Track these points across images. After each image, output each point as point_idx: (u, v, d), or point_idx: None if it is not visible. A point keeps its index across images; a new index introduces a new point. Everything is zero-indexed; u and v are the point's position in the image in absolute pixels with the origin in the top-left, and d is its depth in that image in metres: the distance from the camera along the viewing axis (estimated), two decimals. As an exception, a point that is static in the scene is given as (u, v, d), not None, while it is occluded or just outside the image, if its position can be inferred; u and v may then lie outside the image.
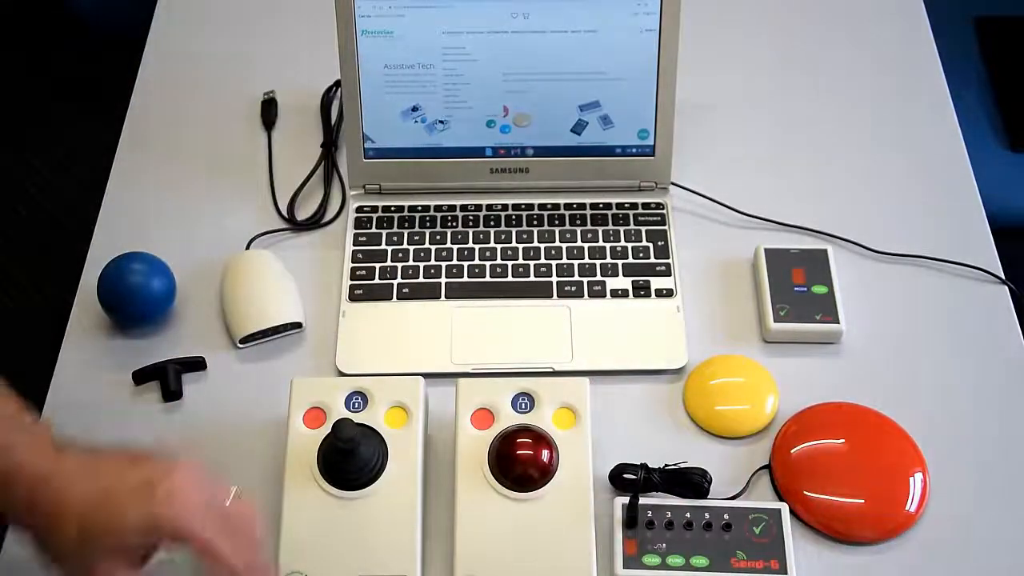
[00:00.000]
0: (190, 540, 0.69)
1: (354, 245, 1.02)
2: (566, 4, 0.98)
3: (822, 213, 1.04)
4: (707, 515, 0.83)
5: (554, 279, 0.99)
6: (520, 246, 1.02)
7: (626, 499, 0.83)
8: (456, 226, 1.03)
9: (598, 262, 1.00)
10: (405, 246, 1.02)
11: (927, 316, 0.98)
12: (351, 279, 0.99)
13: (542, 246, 1.02)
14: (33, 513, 0.69)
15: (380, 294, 0.99)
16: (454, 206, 1.04)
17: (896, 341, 0.96)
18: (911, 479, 0.86)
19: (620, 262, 1.00)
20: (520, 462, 0.82)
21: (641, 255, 1.01)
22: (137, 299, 0.95)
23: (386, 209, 1.04)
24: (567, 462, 0.83)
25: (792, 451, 0.88)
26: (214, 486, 0.72)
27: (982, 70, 1.54)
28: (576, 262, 1.00)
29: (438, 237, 1.02)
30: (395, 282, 0.99)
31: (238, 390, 0.94)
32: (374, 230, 1.03)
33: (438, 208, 1.04)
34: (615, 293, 0.98)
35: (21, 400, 0.72)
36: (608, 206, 1.04)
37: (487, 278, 1.00)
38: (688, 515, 0.83)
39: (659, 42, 0.99)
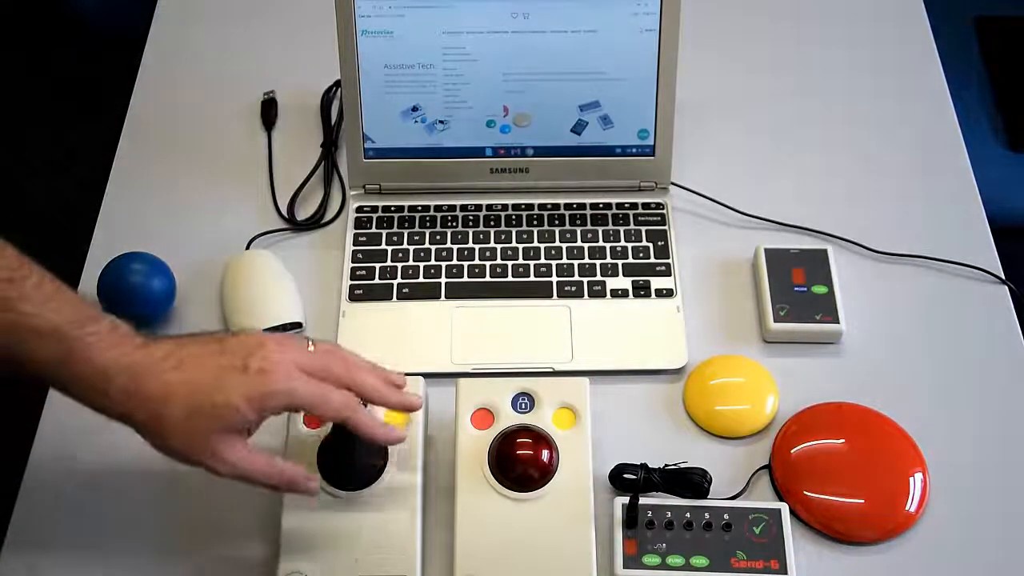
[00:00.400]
0: (298, 403, 0.73)
1: (354, 245, 1.02)
2: (566, 4, 0.98)
3: (822, 213, 1.04)
4: (707, 515, 0.83)
5: (554, 279, 0.99)
6: (520, 246, 1.02)
7: (626, 499, 0.83)
8: (456, 226, 1.03)
9: (598, 262, 1.00)
10: (405, 246, 1.02)
11: (927, 316, 0.98)
12: (351, 279, 0.99)
13: (542, 246, 1.02)
14: (134, 402, 0.71)
15: (380, 294, 0.99)
16: (454, 206, 1.04)
17: (896, 341, 0.96)
18: (911, 479, 0.86)
19: (620, 262, 1.00)
20: (520, 462, 0.82)
21: (641, 255, 1.01)
22: (137, 299, 0.95)
23: (386, 209, 1.04)
24: (567, 462, 0.83)
25: (792, 451, 0.88)
26: (296, 343, 0.76)
27: (982, 70, 1.54)
28: (576, 262, 1.00)
29: (438, 237, 1.02)
30: (395, 282, 0.99)
31: (238, 390, 0.94)
32: (374, 230, 1.03)
33: (438, 208, 1.04)
34: (615, 293, 0.98)
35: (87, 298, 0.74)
36: (608, 206, 1.04)
37: (487, 278, 1.00)
38: (688, 515, 0.83)
39: (659, 42, 0.99)
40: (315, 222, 1.05)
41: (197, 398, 0.71)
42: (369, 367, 0.79)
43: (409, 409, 0.81)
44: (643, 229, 1.03)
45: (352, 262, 1.01)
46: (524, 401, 0.86)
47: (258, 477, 0.74)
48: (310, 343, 0.77)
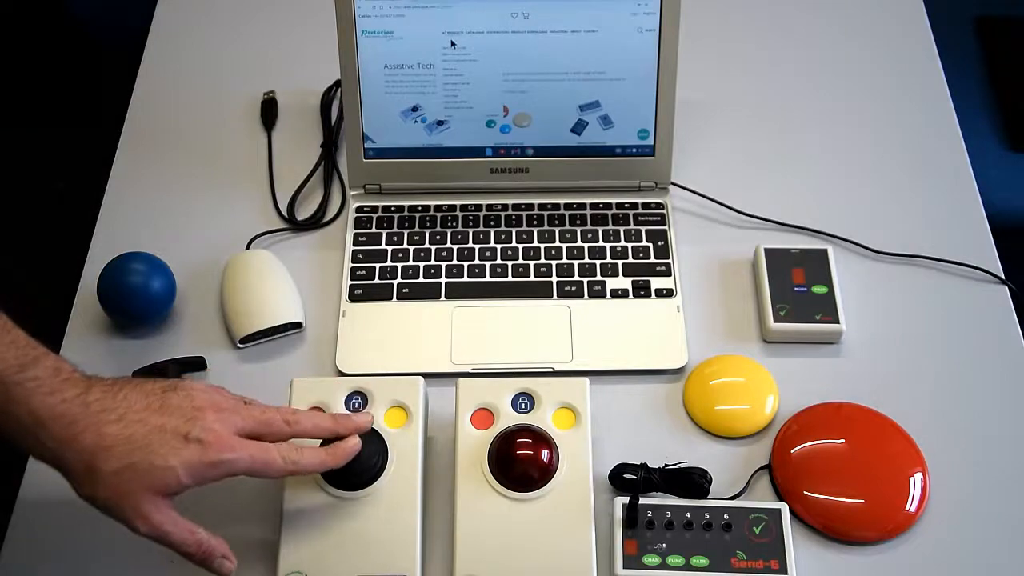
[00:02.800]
0: (239, 472, 0.73)
1: (354, 245, 1.02)
2: (566, 4, 0.98)
3: (822, 213, 1.04)
4: (707, 515, 0.83)
5: (554, 279, 0.99)
6: (520, 246, 1.02)
7: (626, 499, 0.83)
8: (456, 226, 1.03)
9: (598, 262, 1.00)
10: (405, 246, 1.02)
11: (927, 316, 0.98)
12: (351, 279, 0.99)
13: (542, 246, 1.02)
14: (67, 451, 0.70)
15: (380, 294, 0.99)
16: (454, 206, 1.04)
17: (896, 341, 0.96)
18: (911, 479, 0.87)
19: (620, 262, 1.00)
20: (520, 462, 0.82)
21: (641, 255, 1.01)
22: (137, 299, 0.95)
23: (386, 209, 1.04)
24: (567, 462, 0.83)
25: (792, 451, 0.88)
26: (234, 406, 0.76)
27: (982, 70, 1.54)
28: (576, 262, 1.00)
29: (438, 237, 1.02)
30: (395, 282, 0.99)
31: (238, 390, 0.93)
32: (374, 230, 1.03)
33: (438, 208, 1.04)
34: (615, 293, 0.98)
35: (25, 335, 0.73)
36: (608, 206, 1.04)
37: (487, 278, 1.00)
38: (688, 515, 0.83)
39: (659, 42, 0.99)
40: (315, 222, 1.05)
41: (134, 456, 0.70)
42: (308, 414, 0.79)
43: (357, 429, 0.80)
44: (643, 229, 1.03)
45: (352, 262, 1.01)
46: (524, 401, 0.86)
47: (177, 543, 0.73)
48: (245, 402, 0.77)
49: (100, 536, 0.85)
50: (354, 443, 0.79)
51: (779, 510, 0.84)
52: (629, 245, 1.01)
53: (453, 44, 0.99)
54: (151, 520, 0.72)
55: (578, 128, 1.03)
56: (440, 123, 1.03)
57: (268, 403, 0.90)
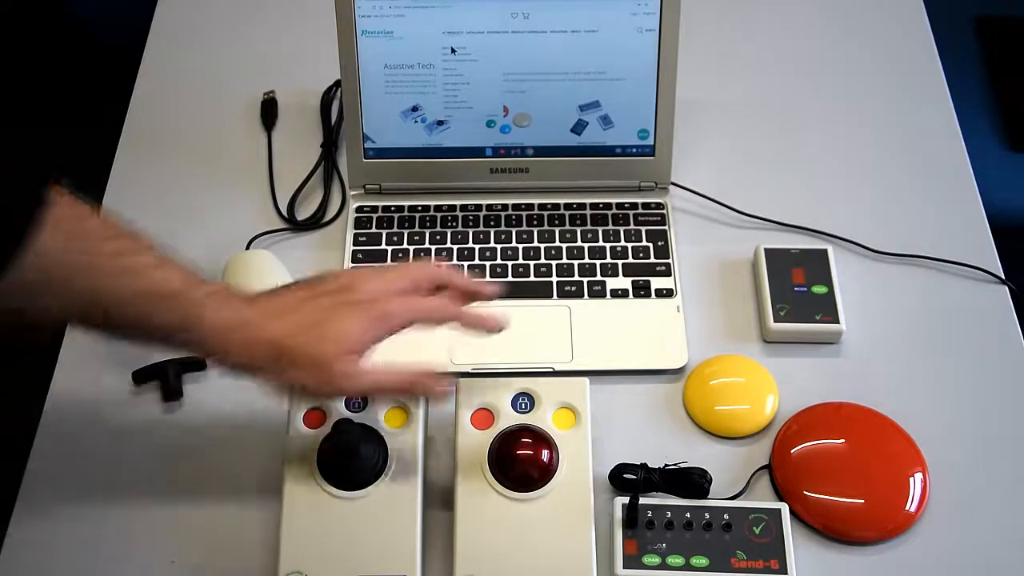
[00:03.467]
0: (400, 323, 0.78)
1: (354, 245, 1.02)
2: (566, 4, 0.98)
3: (822, 213, 1.04)
4: (707, 515, 0.83)
5: (554, 279, 0.99)
6: (520, 246, 1.02)
7: (626, 499, 0.83)
8: (456, 226, 1.03)
9: (598, 262, 1.00)
10: (405, 246, 1.02)
11: (927, 316, 0.98)
12: (351, 279, 0.99)
13: (542, 246, 1.02)
14: (256, 349, 0.75)
15: (380, 294, 0.98)
16: (454, 206, 1.04)
17: (896, 341, 0.96)
18: (911, 479, 0.86)
19: (620, 262, 1.00)
20: (520, 462, 0.82)
21: (641, 255, 1.01)
22: (137, 299, 0.94)
23: (386, 209, 1.04)
24: (567, 462, 0.83)
25: (792, 451, 0.88)
26: (374, 274, 0.80)
27: (982, 70, 1.54)
28: (576, 262, 1.00)
29: (438, 237, 1.02)
30: (395, 282, 0.99)
31: (238, 390, 0.93)
32: (374, 230, 1.03)
33: (438, 208, 1.04)
34: (615, 293, 0.98)
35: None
36: (608, 206, 1.04)
37: (487, 278, 1.00)
38: (688, 515, 0.83)
39: (659, 42, 0.99)
40: (315, 222, 1.05)
41: (312, 332, 0.75)
42: (452, 268, 0.84)
43: (495, 325, 0.84)
44: (643, 229, 1.03)
45: (352, 262, 1.01)
46: (524, 401, 0.86)
47: (391, 386, 0.80)
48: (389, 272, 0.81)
49: (100, 536, 0.85)
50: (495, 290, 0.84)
51: (779, 510, 0.84)
52: (629, 245, 1.01)
53: (453, 45, 0.99)
54: (359, 378, 0.77)
55: (578, 128, 1.03)
56: (440, 123, 1.03)
57: (267, 404, 0.90)
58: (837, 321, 0.95)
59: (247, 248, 1.02)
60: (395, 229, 1.03)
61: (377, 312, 0.77)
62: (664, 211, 1.04)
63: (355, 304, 0.77)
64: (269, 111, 1.14)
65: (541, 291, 0.99)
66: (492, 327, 0.83)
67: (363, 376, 0.77)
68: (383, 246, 1.02)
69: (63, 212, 0.70)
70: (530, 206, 1.05)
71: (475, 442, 0.84)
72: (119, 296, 0.72)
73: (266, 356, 0.75)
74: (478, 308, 0.83)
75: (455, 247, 1.01)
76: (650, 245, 1.01)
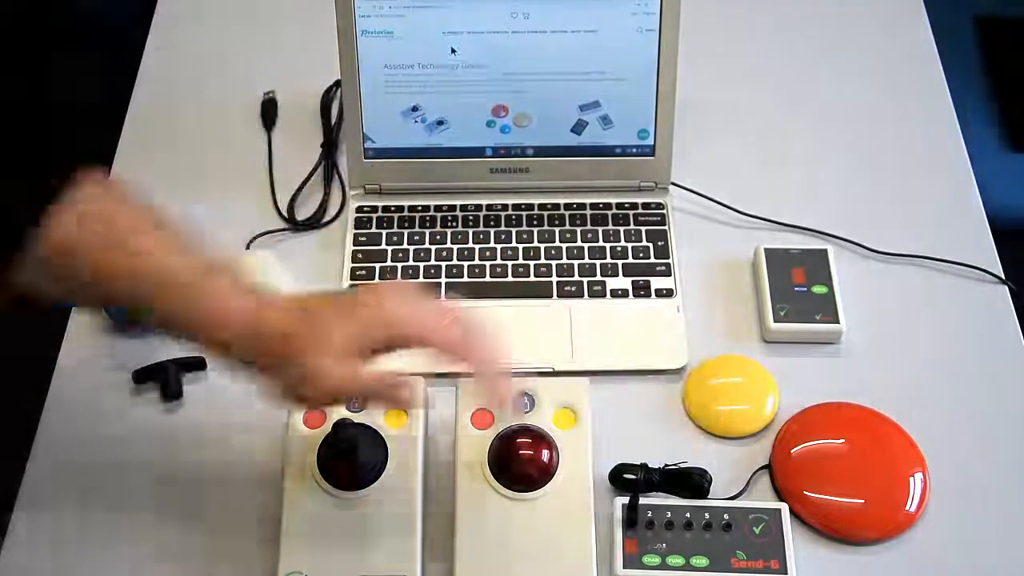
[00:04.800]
0: (409, 331, 0.75)
1: (354, 245, 1.02)
2: (566, 4, 0.98)
3: (822, 213, 1.04)
4: (707, 515, 0.83)
5: (554, 279, 0.99)
6: (520, 246, 1.02)
7: (626, 499, 0.83)
8: (456, 226, 1.03)
9: (598, 262, 1.00)
10: (405, 246, 1.02)
11: (927, 316, 0.98)
12: (351, 279, 0.99)
13: (542, 246, 1.02)
14: (261, 326, 0.72)
15: (380, 294, 0.98)
16: (454, 206, 1.04)
17: (896, 341, 0.96)
18: (911, 479, 0.86)
19: (620, 262, 1.00)
20: (520, 462, 0.82)
21: (641, 255, 1.01)
22: (137, 299, 0.94)
23: (386, 209, 1.04)
24: (567, 462, 0.83)
25: (792, 451, 0.88)
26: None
27: (982, 70, 1.54)
28: (576, 262, 1.00)
29: (438, 237, 1.02)
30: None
31: (238, 390, 0.93)
32: (374, 230, 1.03)
33: (438, 208, 1.04)
34: (615, 293, 0.98)
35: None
36: (608, 206, 1.04)
37: (487, 278, 1.00)
38: (688, 515, 0.83)
39: (659, 42, 0.99)
40: (315, 222, 1.05)
41: (302, 326, 0.72)
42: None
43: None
44: (643, 229, 1.03)
45: (352, 262, 1.01)
46: (524, 401, 0.86)
47: (358, 389, 0.75)
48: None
49: (100, 536, 0.85)
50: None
51: (779, 510, 0.83)
52: (629, 245, 1.01)
53: (453, 45, 0.99)
54: (340, 374, 0.73)
55: (578, 128, 1.03)
56: (440, 123, 1.03)
57: (267, 404, 0.90)
58: (837, 321, 0.95)
59: (247, 248, 1.02)
60: (395, 229, 1.03)
61: (377, 318, 0.74)
62: (664, 211, 1.04)
63: (354, 304, 0.75)
64: (269, 111, 1.14)
65: (541, 291, 0.99)
66: (502, 397, 0.77)
67: (341, 375, 0.73)
68: (383, 246, 1.02)
69: (91, 206, 0.70)
70: (530, 206, 1.05)
71: (475, 442, 0.84)
72: (133, 295, 0.72)
73: (246, 329, 0.72)
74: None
75: (455, 247, 1.01)
76: (650, 245, 1.01)
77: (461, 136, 1.03)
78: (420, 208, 1.04)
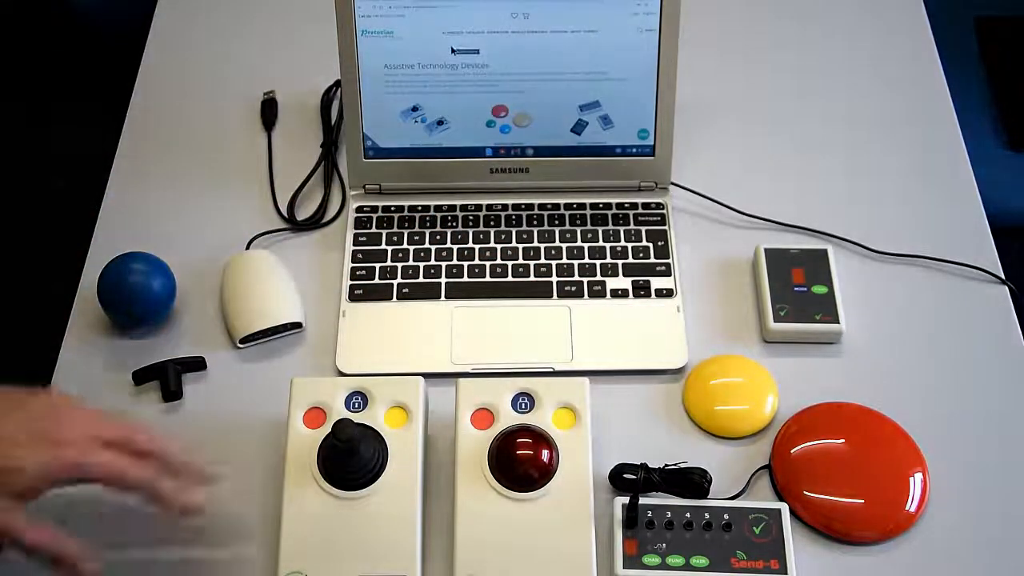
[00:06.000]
0: (92, 477, 0.72)
1: (354, 245, 1.02)
2: (566, 4, 0.98)
3: (822, 213, 1.04)
4: (707, 515, 0.83)
5: (554, 279, 0.99)
6: (520, 246, 1.02)
7: (626, 499, 0.83)
8: (456, 226, 1.03)
9: (598, 262, 1.00)
10: (405, 246, 1.02)
11: (927, 316, 0.98)
12: (351, 279, 0.99)
13: (542, 246, 1.02)
14: None
15: (380, 294, 0.99)
16: (454, 206, 1.04)
17: (896, 341, 0.96)
18: (911, 479, 0.87)
19: (620, 262, 1.00)
20: (520, 462, 0.82)
21: (641, 255, 1.01)
22: (137, 299, 0.95)
23: (386, 209, 1.04)
24: (567, 462, 0.83)
25: (792, 451, 0.88)
26: (96, 415, 0.74)
27: (982, 70, 1.53)
28: (576, 262, 1.00)
29: (438, 237, 1.02)
30: (395, 282, 0.99)
31: (238, 390, 0.94)
32: (374, 230, 1.03)
33: (438, 208, 1.04)
34: (615, 293, 0.98)
35: None
36: (608, 206, 1.04)
37: (487, 278, 1.00)
38: (688, 515, 0.83)
39: (659, 42, 0.99)
40: (315, 222, 1.05)
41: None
42: (168, 441, 0.77)
43: (185, 510, 0.76)
44: (643, 229, 1.03)
45: (352, 262, 1.01)
46: (524, 401, 0.86)
47: (30, 545, 0.71)
48: (105, 418, 0.76)
49: (100, 536, 0.85)
50: (195, 504, 0.76)
51: (779, 510, 0.84)
52: (629, 245, 1.01)
53: (453, 45, 0.99)
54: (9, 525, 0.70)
55: (578, 128, 1.03)
56: (440, 123, 1.03)
57: (267, 404, 0.90)
58: (837, 321, 0.95)
59: (247, 248, 1.02)
60: (395, 229, 1.03)
61: (73, 459, 0.71)
62: (664, 211, 1.04)
63: (54, 443, 0.71)
64: (269, 111, 1.14)
65: (541, 291, 0.99)
66: (184, 511, 0.76)
67: (3, 527, 0.70)
68: (383, 246, 1.02)
69: None
70: (530, 206, 1.05)
71: (475, 442, 0.84)
72: None
73: None
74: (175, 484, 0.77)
75: (455, 247, 1.01)
76: (650, 245, 1.01)
77: (461, 136, 1.03)
78: (420, 208, 1.04)
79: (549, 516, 0.81)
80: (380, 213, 1.04)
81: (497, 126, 1.03)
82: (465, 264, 1.00)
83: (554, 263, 1.00)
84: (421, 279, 0.99)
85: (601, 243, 1.02)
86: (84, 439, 0.72)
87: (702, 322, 0.98)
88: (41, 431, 0.71)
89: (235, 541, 0.85)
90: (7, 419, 0.71)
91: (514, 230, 1.03)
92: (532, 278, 1.00)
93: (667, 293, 0.98)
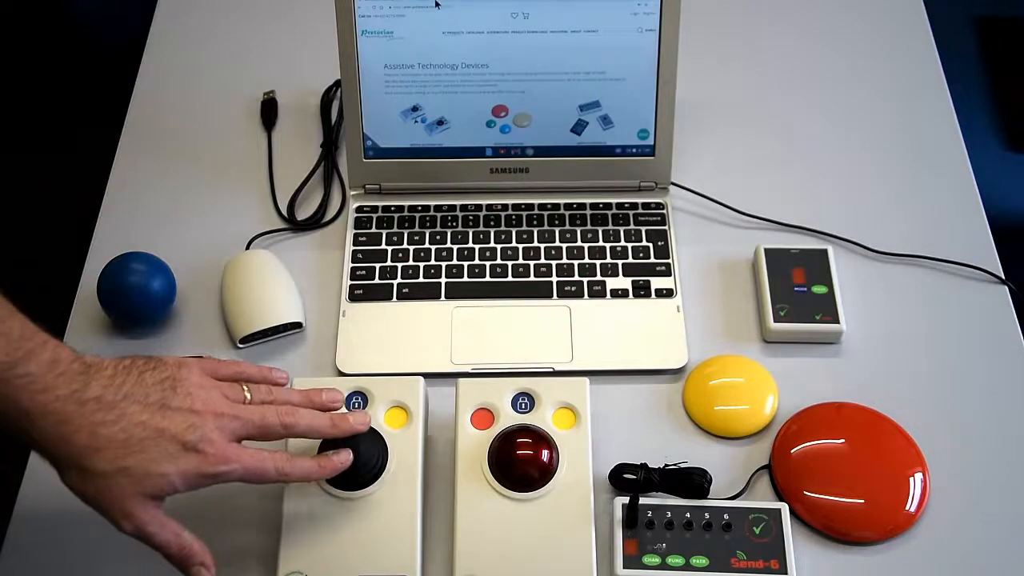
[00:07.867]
0: (234, 480, 0.74)
1: (354, 245, 1.02)
2: (566, 4, 0.98)
3: (822, 213, 1.04)
4: (707, 515, 0.83)
5: (554, 279, 0.99)
6: (520, 246, 1.02)
7: (626, 499, 0.83)
8: (456, 226, 1.03)
9: (598, 262, 1.00)
10: (405, 246, 1.02)
11: (927, 316, 0.98)
12: (351, 279, 0.99)
13: (542, 246, 1.02)
14: (60, 448, 0.70)
15: (380, 294, 0.99)
16: (454, 206, 1.05)
17: (896, 341, 0.96)
18: (911, 479, 0.87)
19: (620, 262, 1.00)
20: (520, 462, 0.82)
21: (641, 255, 1.01)
22: (137, 299, 0.95)
23: (386, 209, 1.05)
24: (567, 462, 0.83)
25: (792, 451, 0.88)
26: (232, 407, 0.75)
27: (982, 70, 1.54)
28: (576, 262, 1.00)
29: (438, 237, 1.02)
30: (395, 282, 0.99)
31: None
32: (374, 230, 1.03)
33: (438, 208, 1.04)
34: (615, 293, 0.98)
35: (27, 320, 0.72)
36: (608, 206, 1.04)
37: (487, 278, 1.00)
38: (688, 515, 0.83)
39: (659, 42, 0.99)
40: (315, 222, 1.05)
41: (128, 460, 0.70)
42: (306, 415, 0.78)
43: (352, 430, 0.80)
44: (643, 229, 1.03)
45: (352, 262, 1.01)
46: (524, 401, 0.86)
47: (160, 544, 0.73)
48: (245, 390, 0.77)
49: (101, 536, 0.85)
50: (345, 458, 0.79)
51: (779, 510, 0.84)
52: (629, 245, 1.01)
53: (453, 45, 0.99)
54: (136, 520, 0.72)
55: (578, 128, 1.03)
56: (440, 123, 1.03)
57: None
58: (837, 321, 0.95)
59: (247, 248, 1.02)
60: (395, 229, 1.03)
61: (210, 470, 0.72)
62: (664, 211, 1.04)
63: (196, 451, 0.72)
64: (269, 111, 1.14)
65: (541, 291, 0.99)
66: (321, 475, 0.79)
67: (141, 524, 0.72)
68: (383, 246, 1.02)
69: None
70: (530, 206, 1.05)
71: (475, 442, 0.84)
72: None
73: (68, 460, 0.70)
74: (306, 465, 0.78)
75: (455, 247, 1.02)
76: (650, 245, 1.01)
77: (461, 136, 1.03)
78: (420, 208, 1.04)
79: (549, 516, 0.81)
80: (380, 213, 1.04)
81: (497, 126, 1.03)
82: (465, 264, 1.00)
83: (554, 263, 1.00)
84: (421, 279, 0.99)
85: (601, 243, 1.02)
86: (223, 447, 0.73)
87: (702, 322, 0.98)
88: (182, 439, 0.72)
89: (235, 542, 0.85)
90: (150, 419, 0.71)
91: (514, 230, 1.03)
92: (532, 278, 1.00)
93: (667, 293, 0.98)
